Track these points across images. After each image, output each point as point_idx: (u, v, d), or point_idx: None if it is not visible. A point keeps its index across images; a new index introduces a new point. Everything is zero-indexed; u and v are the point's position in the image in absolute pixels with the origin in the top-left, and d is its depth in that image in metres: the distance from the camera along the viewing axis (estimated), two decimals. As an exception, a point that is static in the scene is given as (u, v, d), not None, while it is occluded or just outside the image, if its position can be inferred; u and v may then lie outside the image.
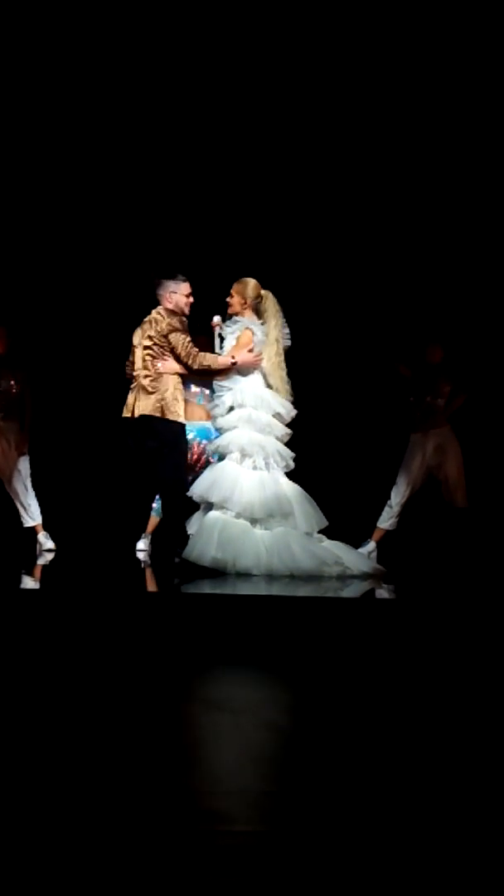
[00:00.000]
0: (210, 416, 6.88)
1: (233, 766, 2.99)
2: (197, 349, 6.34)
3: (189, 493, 6.59)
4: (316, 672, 4.42)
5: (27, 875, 2.11)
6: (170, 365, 6.32)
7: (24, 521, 7.55)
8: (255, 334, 6.51)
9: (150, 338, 6.30)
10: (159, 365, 6.28)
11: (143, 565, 6.72)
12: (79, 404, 8.25)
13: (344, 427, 8.65)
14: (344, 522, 7.00)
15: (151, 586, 6.03)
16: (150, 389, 6.25)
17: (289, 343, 6.63)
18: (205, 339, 6.78)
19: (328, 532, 6.55)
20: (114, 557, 6.47)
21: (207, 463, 6.93)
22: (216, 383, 6.56)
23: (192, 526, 6.47)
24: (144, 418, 6.22)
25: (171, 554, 6.35)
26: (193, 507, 6.53)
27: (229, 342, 6.57)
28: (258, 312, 6.62)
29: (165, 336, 6.25)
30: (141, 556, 6.99)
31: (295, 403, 6.63)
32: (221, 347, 6.66)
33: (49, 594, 5.82)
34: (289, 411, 6.58)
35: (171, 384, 6.30)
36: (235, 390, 6.49)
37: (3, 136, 8.24)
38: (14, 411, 7.55)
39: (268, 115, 8.32)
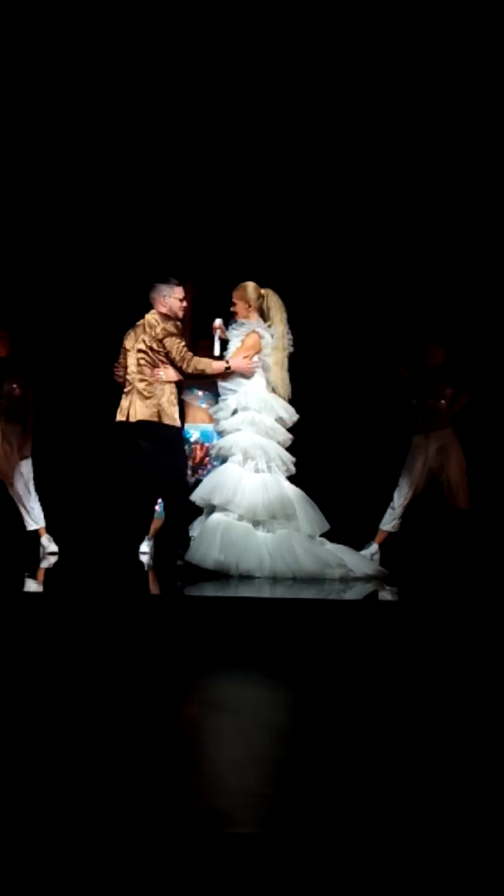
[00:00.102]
0: (211, 420, 6.90)
1: (235, 768, 2.99)
2: (191, 353, 6.35)
3: (192, 498, 6.61)
4: (318, 674, 4.43)
5: (31, 875, 2.12)
6: (169, 373, 6.33)
7: (26, 524, 7.56)
8: (262, 337, 6.53)
9: (144, 342, 6.30)
10: (161, 374, 6.29)
11: (146, 568, 6.73)
12: (81, 407, 8.26)
13: (346, 429, 8.65)
14: (346, 525, 7.00)
15: (154, 589, 6.04)
16: (146, 394, 6.26)
17: (291, 349, 6.64)
18: (207, 342, 6.79)
19: (330, 534, 6.56)
20: (117, 560, 6.47)
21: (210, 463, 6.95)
22: (221, 386, 6.57)
23: (195, 530, 6.48)
24: (141, 423, 6.22)
25: (173, 557, 6.35)
26: (195, 509, 6.54)
27: (234, 344, 6.58)
28: (263, 313, 6.63)
29: (160, 340, 6.25)
30: (144, 558, 7.00)
31: (297, 406, 6.65)
32: (225, 350, 6.68)
33: (52, 597, 5.82)
34: (291, 416, 6.60)
35: (167, 388, 6.30)
36: (240, 393, 6.51)
37: (4, 141, 8.24)
38: (17, 414, 7.56)
39: (268, 118, 8.32)
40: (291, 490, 6.48)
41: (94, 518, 7.98)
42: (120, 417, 6.31)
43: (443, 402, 7.48)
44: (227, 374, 6.49)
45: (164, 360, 6.27)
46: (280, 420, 6.55)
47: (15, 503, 7.58)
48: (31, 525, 7.55)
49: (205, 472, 7.00)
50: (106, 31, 7.90)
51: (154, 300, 6.41)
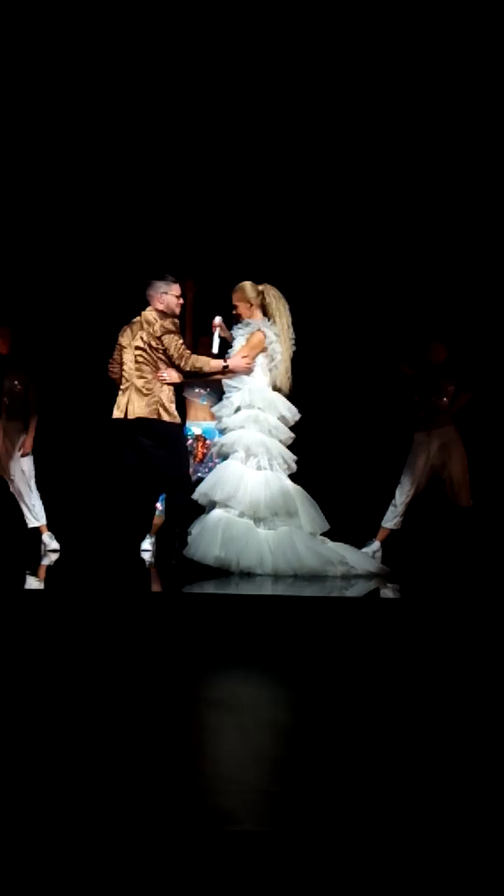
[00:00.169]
0: (213, 417, 6.90)
1: (236, 766, 2.99)
2: (189, 351, 6.36)
3: (194, 496, 6.61)
4: (320, 672, 4.42)
5: (33, 873, 2.11)
6: (172, 375, 6.34)
7: (28, 521, 7.56)
8: (266, 336, 6.53)
9: (142, 339, 6.30)
10: (164, 375, 6.28)
11: (147, 565, 6.72)
12: (83, 404, 8.25)
13: (348, 427, 8.65)
14: (348, 522, 7.00)
15: (156, 587, 6.03)
16: (145, 391, 6.25)
17: (294, 348, 6.65)
18: (208, 339, 6.79)
19: (332, 532, 6.57)
20: (118, 558, 6.46)
21: (211, 461, 6.96)
22: (225, 383, 6.57)
23: (195, 528, 6.49)
24: (142, 420, 6.22)
25: (171, 554, 6.33)
26: (196, 507, 6.53)
27: (239, 343, 6.58)
28: (265, 310, 6.64)
29: (159, 338, 6.25)
30: (146, 556, 6.99)
31: (298, 403, 6.65)
32: (228, 348, 6.70)
33: (53, 595, 5.82)
34: (293, 415, 6.60)
35: (166, 385, 6.30)
36: (244, 391, 6.51)
37: (6, 141, 8.24)
38: (18, 411, 7.56)
39: (268, 115, 8.31)
40: (293, 488, 6.48)
41: (95, 515, 7.98)
42: (117, 414, 6.30)
43: (445, 399, 7.47)
44: (225, 372, 6.48)
45: (163, 357, 6.26)
46: (282, 419, 6.56)
47: (16, 500, 7.58)
48: (33, 522, 7.55)
49: (206, 470, 6.99)
50: (107, 29, 7.89)
51: (151, 297, 6.40)
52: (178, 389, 6.84)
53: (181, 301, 6.44)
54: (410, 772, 2.95)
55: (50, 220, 8.62)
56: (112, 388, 6.45)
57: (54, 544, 7.52)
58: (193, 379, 6.62)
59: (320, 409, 7.18)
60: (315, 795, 2.74)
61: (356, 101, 8.29)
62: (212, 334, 6.74)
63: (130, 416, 6.23)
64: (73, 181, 8.51)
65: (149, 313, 6.36)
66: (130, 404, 6.25)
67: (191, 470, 7.02)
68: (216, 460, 6.81)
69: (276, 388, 6.62)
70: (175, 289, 6.40)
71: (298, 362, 6.73)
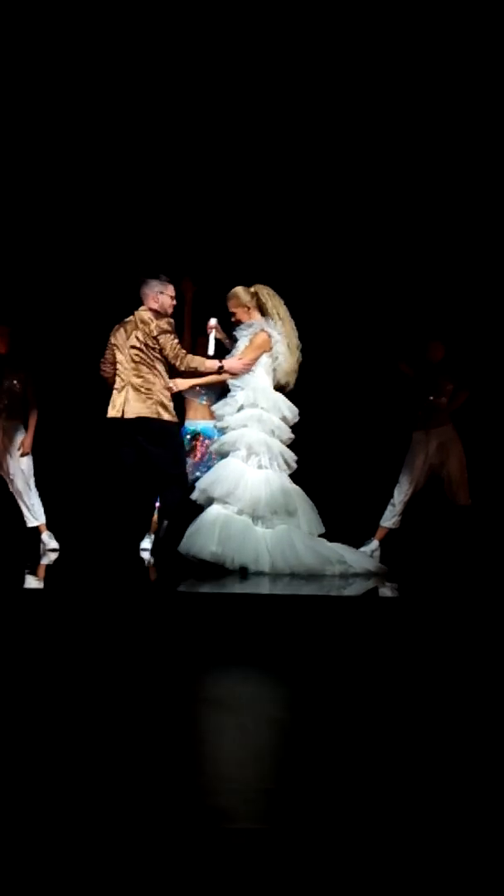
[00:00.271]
0: (212, 416, 6.92)
1: (235, 764, 3.00)
2: (185, 351, 6.38)
3: (193, 497, 6.64)
4: (318, 670, 4.43)
5: (32, 871, 2.12)
6: (182, 382, 6.45)
7: (27, 520, 7.57)
8: (271, 336, 6.54)
9: (137, 339, 6.31)
10: (172, 385, 6.35)
11: (146, 564, 6.73)
12: (82, 404, 8.26)
13: (346, 426, 8.65)
14: (347, 521, 7.01)
15: (155, 585, 6.04)
16: (142, 391, 6.26)
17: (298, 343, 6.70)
18: (206, 339, 6.82)
19: (331, 530, 6.58)
20: (117, 557, 6.47)
21: (210, 460, 6.97)
22: (230, 382, 6.58)
23: (194, 524, 6.52)
24: (142, 420, 6.23)
25: (160, 548, 6.33)
26: (193, 507, 6.56)
27: (242, 343, 6.60)
28: (261, 310, 6.65)
29: (155, 338, 6.26)
30: (145, 555, 7.00)
31: (297, 402, 6.67)
32: (229, 350, 6.73)
33: (52, 594, 5.83)
34: (294, 415, 6.63)
35: (163, 385, 6.31)
36: (248, 390, 6.54)
37: (7, 138, 8.24)
38: (18, 410, 7.57)
39: (265, 110, 8.31)
40: (293, 488, 6.50)
41: (94, 514, 7.99)
42: (113, 413, 6.31)
43: (443, 398, 7.48)
44: (220, 373, 6.51)
45: (159, 356, 6.28)
46: (284, 419, 6.58)
47: (15, 499, 7.58)
48: (32, 521, 7.56)
49: (205, 469, 7.00)
50: (107, 28, 7.89)
51: (146, 296, 6.41)
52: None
53: (174, 302, 6.46)
54: (409, 770, 2.96)
55: (48, 219, 8.62)
56: (110, 387, 6.46)
57: (53, 543, 7.53)
58: (199, 383, 6.64)
59: (318, 408, 7.19)
60: (314, 794, 2.74)
61: (355, 98, 8.29)
62: (208, 336, 6.77)
63: (128, 416, 6.24)
64: (72, 180, 8.52)
65: (143, 313, 6.37)
66: (127, 403, 6.26)
67: (189, 469, 7.04)
68: (215, 459, 6.83)
69: (280, 385, 6.64)
70: (170, 289, 6.43)
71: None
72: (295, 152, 8.53)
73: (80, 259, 8.67)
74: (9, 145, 8.29)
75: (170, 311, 6.44)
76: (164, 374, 6.34)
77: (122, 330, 6.41)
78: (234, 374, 6.54)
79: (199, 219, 8.54)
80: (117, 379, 6.37)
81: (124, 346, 6.35)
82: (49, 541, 7.53)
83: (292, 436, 6.61)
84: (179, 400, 7.01)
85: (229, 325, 6.84)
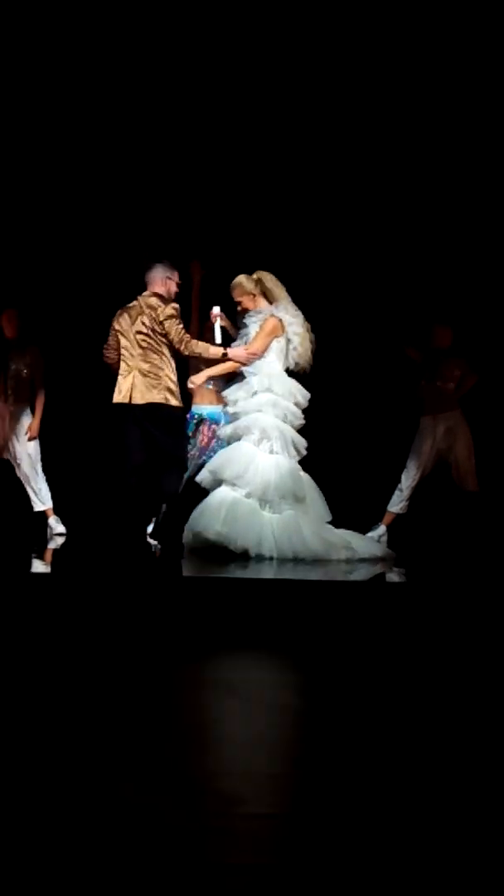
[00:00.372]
0: (220, 401, 6.93)
1: (243, 749, 2.99)
2: (189, 336, 6.38)
3: (198, 479, 6.66)
4: (326, 655, 4.43)
5: (38, 858, 2.12)
6: (197, 378, 6.56)
7: (34, 505, 7.56)
8: (284, 320, 6.56)
9: (144, 324, 6.31)
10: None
11: (153, 549, 6.73)
12: (89, 388, 8.24)
13: (353, 411, 8.62)
14: (354, 506, 7.00)
15: (161, 570, 6.04)
16: (151, 376, 6.27)
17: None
18: (212, 325, 6.85)
19: (338, 516, 6.59)
20: (124, 541, 6.47)
21: (217, 445, 6.98)
22: (244, 369, 6.58)
23: (200, 506, 6.56)
24: (152, 406, 6.24)
25: (160, 533, 6.34)
26: (198, 491, 6.59)
27: (252, 330, 6.60)
28: (266, 297, 6.66)
29: (161, 322, 6.26)
30: (151, 540, 6.99)
31: (304, 387, 6.68)
32: (238, 336, 6.75)
33: (59, 578, 5.83)
34: (306, 399, 6.65)
35: (170, 370, 6.33)
36: (261, 375, 6.55)
37: (13, 122, 8.21)
38: (25, 394, 7.56)
39: (269, 98, 8.25)
40: (303, 475, 6.52)
41: (101, 499, 7.98)
42: (120, 399, 6.32)
43: (451, 383, 7.45)
44: (224, 360, 6.52)
45: (165, 341, 6.29)
46: (297, 404, 6.61)
47: (22, 484, 7.58)
48: (39, 506, 7.55)
49: (210, 454, 7.01)
50: (109, 19, 7.84)
51: (153, 281, 6.41)
52: (184, 374, 6.85)
53: (178, 289, 6.47)
54: (415, 754, 2.96)
55: (56, 204, 8.59)
56: (114, 372, 6.46)
57: (60, 528, 7.53)
58: (212, 374, 6.65)
59: (326, 393, 7.15)
60: (321, 778, 2.74)
61: (359, 86, 8.22)
62: (213, 325, 6.80)
63: (136, 401, 6.25)
64: (80, 165, 8.48)
65: (150, 298, 6.36)
66: (135, 389, 6.27)
67: (194, 454, 7.06)
68: (222, 444, 6.84)
69: (299, 369, 6.66)
70: (176, 275, 6.45)
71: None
72: (299, 137, 8.46)
73: (87, 243, 8.64)
74: (16, 129, 8.25)
75: (174, 297, 6.44)
76: (171, 359, 6.35)
77: (125, 315, 6.40)
78: (240, 363, 6.55)
79: (203, 204, 8.49)
80: (122, 364, 6.37)
81: (129, 331, 6.35)
82: (56, 525, 7.53)
83: (304, 421, 6.62)
84: (186, 385, 6.99)
85: (233, 315, 6.85)
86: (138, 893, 1.96)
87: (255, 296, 6.65)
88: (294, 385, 6.63)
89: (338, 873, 2.08)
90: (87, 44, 7.97)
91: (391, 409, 8.20)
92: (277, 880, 2.04)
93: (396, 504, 7.48)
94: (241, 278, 6.66)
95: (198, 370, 7.01)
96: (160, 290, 6.40)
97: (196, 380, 6.59)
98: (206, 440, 7.15)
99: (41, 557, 6.55)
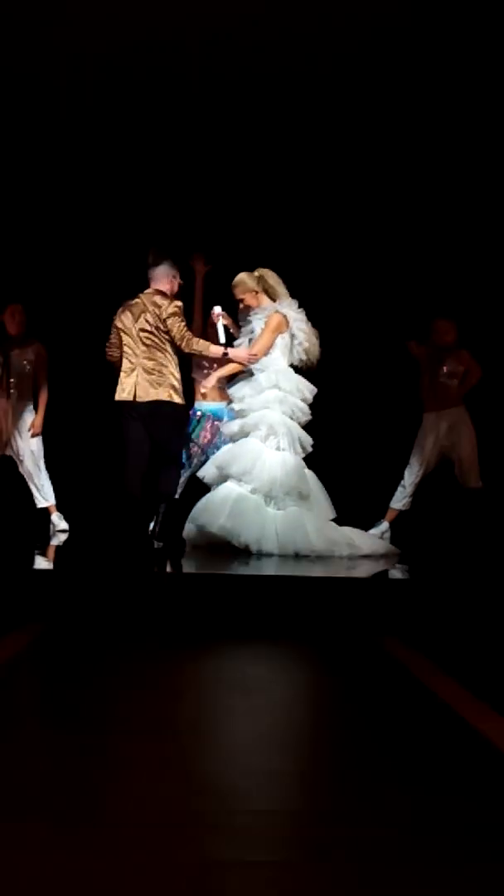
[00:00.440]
0: (223, 397, 6.95)
1: (245, 746, 3.00)
2: (191, 333, 6.40)
3: (200, 474, 6.69)
4: (329, 652, 4.43)
5: (37, 854, 2.12)
6: (210, 380, 6.62)
7: (37, 501, 7.56)
8: (288, 315, 6.59)
9: (148, 322, 6.32)
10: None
11: (155, 545, 6.73)
12: (93, 384, 8.24)
13: (356, 408, 8.62)
14: (357, 503, 7.00)
15: (164, 566, 6.04)
16: (155, 374, 6.29)
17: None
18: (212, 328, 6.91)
19: (341, 512, 6.61)
20: (126, 538, 6.47)
21: (220, 442, 7.00)
22: (252, 365, 6.59)
23: (203, 499, 6.58)
24: (157, 403, 6.26)
25: (157, 533, 6.35)
26: (197, 484, 6.62)
27: (258, 326, 6.61)
28: (267, 293, 6.67)
29: (164, 320, 6.28)
30: (155, 541, 6.99)
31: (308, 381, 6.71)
32: (241, 334, 6.79)
33: (62, 574, 5.84)
34: (312, 393, 6.68)
35: (174, 368, 6.33)
36: (269, 372, 6.57)
37: (17, 118, 8.20)
38: (28, 391, 7.56)
39: (269, 96, 8.23)
40: (308, 472, 6.55)
41: (104, 496, 7.99)
42: (124, 397, 6.33)
43: (454, 380, 7.44)
44: (224, 359, 6.55)
45: (169, 339, 6.30)
46: (304, 400, 6.64)
47: (25, 480, 7.58)
48: (42, 502, 7.56)
49: (213, 451, 7.01)
50: (111, 11, 7.82)
51: (158, 279, 6.42)
52: (187, 370, 6.86)
53: (178, 289, 6.51)
54: (417, 752, 2.96)
55: (59, 200, 8.59)
56: (117, 370, 6.47)
57: (63, 524, 7.53)
58: (223, 375, 6.67)
59: (329, 389, 7.15)
60: (324, 775, 2.74)
61: (360, 84, 8.20)
62: (215, 324, 6.81)
63: (141, 399, 6.28)
64: (83, 162, 8.47)
65: (154, 296, 6.37)
66: (139, 387, 6.30)
67: (196, 451, 7.08)
68: (225, 440, 6.86)
69: (307, 364, 6.69)
70: (178, 273, 6.49)
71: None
72: (300, 132, 8.44)
73: (90, 239, 8.64)
74: (19, 125, 8.25)
75: (176, 294, 6.47)
76: (175, 356, 6.36)
77: (128, 312, 6.41)
78: (241, 363, 6.56)
79: (205, 200, 8.48)
80: (125, 361, 6.38)
81: (132, 328, 6.36)
82: (59, 522, 7.53)
83: (310, 416, 6.66)
84: (188, 382, 7.01)
85: (234, 313, 6.86)
86: (139, 891, 1.96)
87: (257, 293, 6.66)
88: (300, 381, 6.66)
89: (338, 869, 2.08)
90: (91, 45, 7.95)
91: (394, 406, 8.20)
92: (279, 878, 2.04)
93: (399, 501, 7.48)
94: (243, 276, 6.67)
95: (200, 367, 7.02)
96: (164, 287, 6.41)
97: (207, 383, 6.67)
98: (208, 437, 7.15)
99: (44, 554, 6.55)
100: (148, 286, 6.47)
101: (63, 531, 7.46)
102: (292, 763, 2.84)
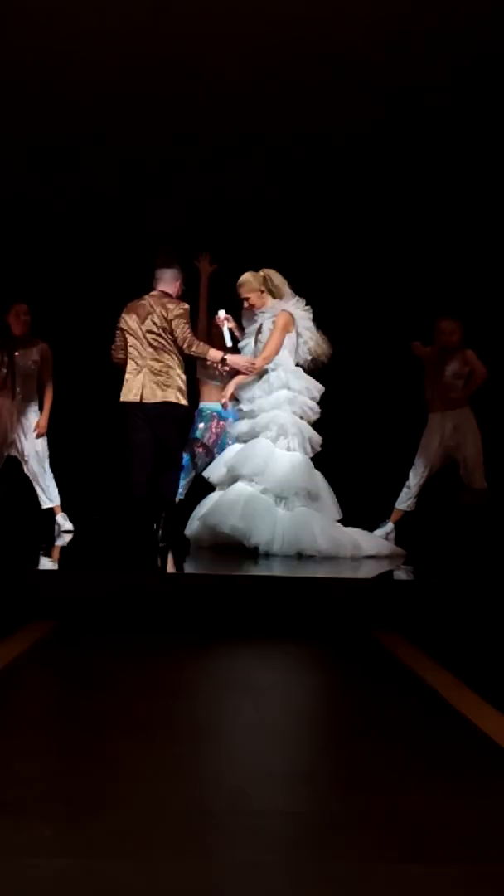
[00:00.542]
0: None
1: (251, 746, 2.99)
2: (194, 337, 6.43)
3: (206, 473, 6.74)
4: (333, 652, 4.43)
5: (40, 852, 2.12)
6: (228, 390, 6.61)
7: (41, 502, 7.57)
8: (294, 314, 6.62)
9: (155, 324, 6.35)
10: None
11: (161, 546, 6.73)
12: (97, 385, 8.25)
13: (361, 408, 8.63)
14: (362, 504, 7.00)
15: (169, 567, 6.05)
16: (162, 375, 6.32)
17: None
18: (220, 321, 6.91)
19: (347, 513, 6.61)
20: (131, 538, 6.48)
21: (225, 441, 7.02)
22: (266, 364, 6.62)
23: (203, 507, 6.61)
24: (165, 404, 6.29)
25: (161, 534, 6.37)
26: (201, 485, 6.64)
27: (266, 326, 6.63)
28: (271, 293, 6.69)
29: (170, 321, 6.31)
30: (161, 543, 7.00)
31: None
32: (244, 337, 6.79)
33: (67, 575, 5.84)
34: (320, 392, 6.71)
35: (180, 370, 6.37)
36: (279, 371, 6.60)
37: (22, 119, 8.21)
38: (33, 391, 7.57)
39: (268, 99, 8.22)
40: (317, 473, 6.57)
41: (109, 496, 8.00)
42: (131, 398, 6.36)
43: (459, 380, 7.43)
44: (223, 364, 6.55)
45: (174, 339, 6.33)
46: (313, 399, 6.67)
47: (30, 481, 7.59)
48: (46, 503, 7.56)
49: (218, 451, 7.03)
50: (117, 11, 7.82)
51: (165, 281, 6.47)
52: (192, 371, 6.87)
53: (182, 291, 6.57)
54: (419, 752, 2.95)
55: (64, 200, 8.61)
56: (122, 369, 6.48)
57: (68, 525, 7.53)
58: (239, 383, 6.70)
59: (333, 390, 7.15)
60: (328, 776, 2.74)
61: (364, 86, 8.19)
62: (221, 329, 6.83)
63: (148, 400, 6.31)
64: (89, 164, 8.48)
65: (161, 298, 6.41)
66: (146, 388, 6.34)
67: (201, 451, 7.11)
68: (229, 441, 6.88)
69: (316, 363, 6.73)
70: (183, 278, 6.57)
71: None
72: (302, 133, 8.43)
73: (94, 239, 8.66)
74: (22, 125, 8.26)
75: (179, 297, 6.52)
76: (180, 357, 6.39)
77: (133, 314, 6.44)
78: (238, 370, 6.58)
79: (209, 202, 8.49)
80: (130, 363, 6.41)
81: (137, 330, 6.40)
82: (63, 522, 7.54)
83: (319, 414, 6.69)
84: (193, 382, 7.02)
85: (238, 314, 6.87)
86: (142, 890, 1.96)
87: (263, 292, 6.68)
88: (310, 380, 6.70)
89: (343, 870, 2.08)
90: (94, 40, 7.94)
91: (399, 407, 8.20)
92: (282, 878, 2.04)
93: (404, 501, 7.48)
94: (248, 276, 6.69)
95: (205, 368, 7.04)
96: (170, 290, 6.46)
97: (226, 393, 6.65)
98: (213, 437, 7.16)
99: (49, 555, 6.56)
100: (152, 287, 6.50)
101: (68, 532, 7.47)
102: (298, 763, 2.84)
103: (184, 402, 6.39)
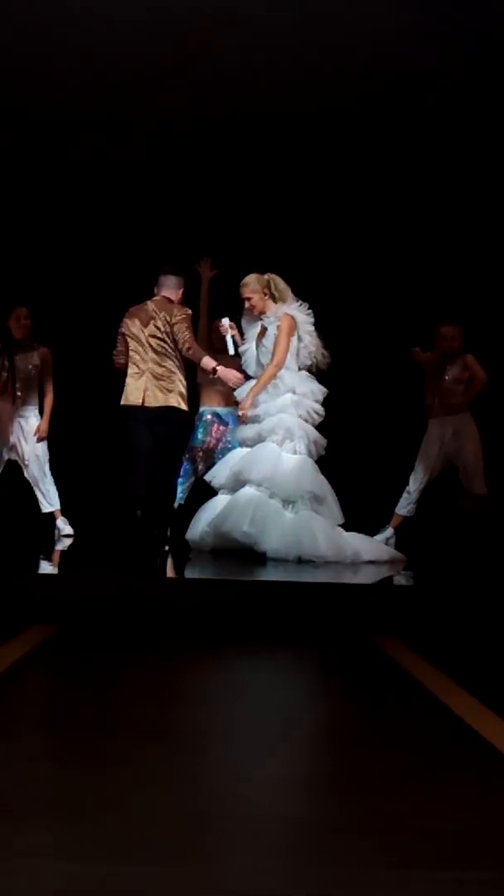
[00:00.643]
0: (228, 402, 6.99)
1: (251, 750, 2.99)
2: (194, 343, 6.43)
3: (207, 477, 6.76)
4: (333, 657, 4.43)
5: (39, 856, 2.12)
6: (246, 403, 6.58)
7: (42, 506, 7.56)
8: (297, 318, 6.63)
9: (158, 329, 6.37)
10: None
11: (159, 551, 6.73)
12: (98, 389, 8.25)
13: (361, 413, 8.62)
14: (362, 509, 7.00)
15: (169, 571, 6.05)
16: (164, 380, 6.34)
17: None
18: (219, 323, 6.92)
19: (347, 518, 6.62)
20: (131, 543, 6.48)
21: (226, 445, 7.03)
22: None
23: (206, 510, 6.62)
24: (167, 409, 6.30)
25: (160, 538, 6.38)
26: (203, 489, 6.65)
27: (271, 331, 6.64)
28: (273, 297, 6.70)
29: (172, 325, 6.32)
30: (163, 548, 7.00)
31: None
32: (244, 342, 6.82)
33: (67, 579, 5.84)
34: (323, 394, 6.73)
35: (182, 374, 6.40)
36: (283, 374, 6.59)
37: (23, 121, 8.22)
38: (33, 395, 7.57)
39: (270, 100, 8.24)
40: (322, 476, 6.58)
41: (109, 501, 7.99)
42: (132, 401, 6.36)
43: (459, 386, 7.43)
44: (213, 374, 6.50)
45: (172, 344, 6.36)
46: (317, 401, 6.70)
47: (30, 485, 7.58)
48: (47, 507, 7.55)
49: (220, 455, 7.04)
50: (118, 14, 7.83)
51: (168, 287, 6.50)
52: (192, 375, 6.87)
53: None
54: (420, 755, 2.95)
55: (64, 204, 8.61)
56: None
57: (68, 529, 7.53)
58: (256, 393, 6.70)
59: (333, 394, 7.15)
60: (328, 781, 2.74)
61: (365, 86, 8.20)
62: (224, 336, 6.84)
63: (150, 405, 6.32)
64: (90, 168, 8.49)
65: (165, 303, 6.42)
66: (148, 392, 6.35)
67: (201, 455, 7.12)
68: (229, 445, 6.90)
69: (313, 368, 6.75)
70: (184, 287, 6.60)
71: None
72: (304, 135, 8.44)
73: (95, 243, 8.66)
74: (23, 129, 8.26)
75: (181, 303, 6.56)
76: (181, 362, 6.40)
77: (135, 319, 6.45)
78: (229, 384, 6.58)
79: (210, 206, 8.50)
80: (131, 367, 6.42)
81: (139, 334, 6.41)
82: (64, 527, 7.53)
83: (323, 416, 6.72)
84: (194, 386, 7.02)
85: (238, 316, 6.87)
86: (142, 894, 1.96)
87: (266, 294, 6.70)
88: (314, 384, 6.72)
89: (342, 873, 2.08)
90: (97, 49, 7.95)
91: (399, 412, 8.20)
92: (282, 883, 2.04)
93: (404, 507, 7.47)
94: (253, 277, 6.70)
95: (206, 372, 7.05)
96: (174, 296, 6.50)
97: (245, 406, 6.58)
98: (212, 441, 7.17)
99: (49, 559, 6.56)
100: (153, 292, 6.52)
101: (68, 536, 7.47)
102: (298, 768, 2.84)
103: (184, 406, 6.42)
